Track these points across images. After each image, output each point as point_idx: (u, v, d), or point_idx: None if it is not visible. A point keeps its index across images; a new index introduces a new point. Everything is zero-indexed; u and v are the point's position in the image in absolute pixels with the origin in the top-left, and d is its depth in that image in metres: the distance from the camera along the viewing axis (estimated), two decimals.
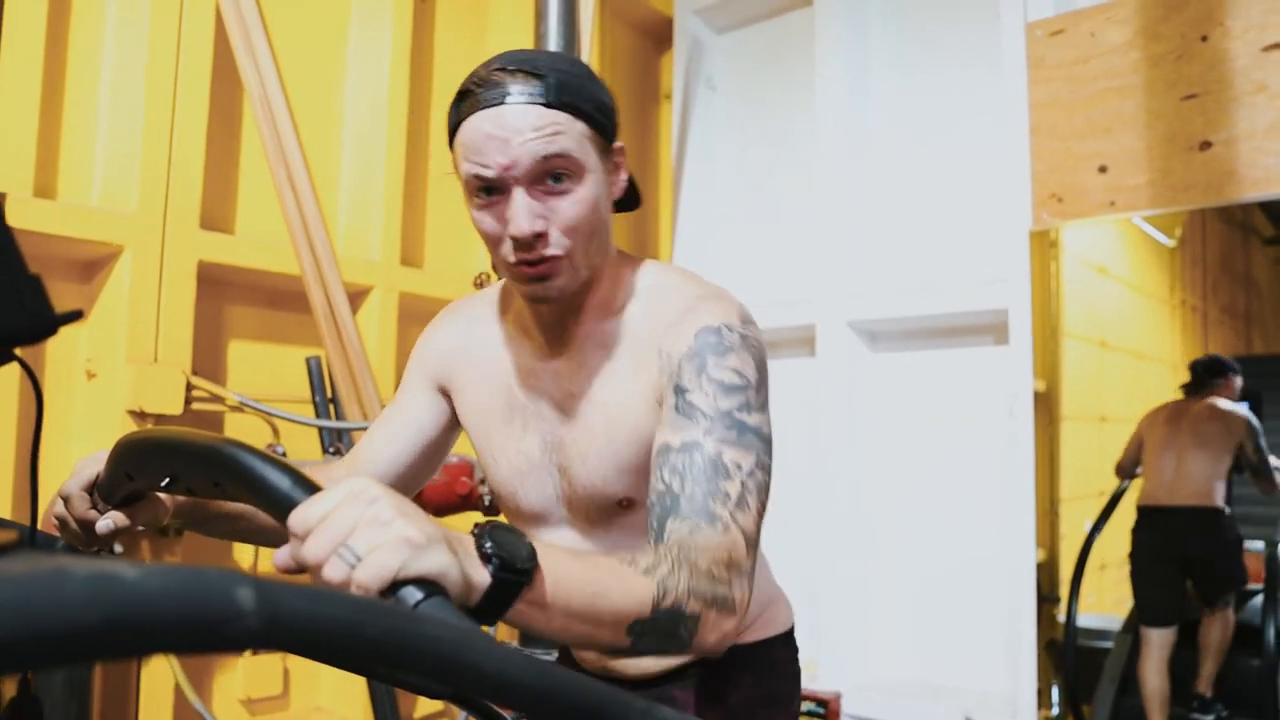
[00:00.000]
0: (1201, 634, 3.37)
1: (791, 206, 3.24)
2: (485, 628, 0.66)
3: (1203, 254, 5.87)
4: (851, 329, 2.98)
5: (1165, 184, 2.34)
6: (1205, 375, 3.69)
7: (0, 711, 0.71)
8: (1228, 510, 3.48)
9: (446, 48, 2.93)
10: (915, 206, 2.96)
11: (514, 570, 0.66)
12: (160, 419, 2.07)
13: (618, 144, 1.04)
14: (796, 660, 1.30)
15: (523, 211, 0.94)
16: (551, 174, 0.95)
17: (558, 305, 1.05)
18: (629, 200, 1.12)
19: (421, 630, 0.51)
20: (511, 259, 0.98)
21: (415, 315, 2.73)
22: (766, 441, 0.97)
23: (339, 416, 2.40)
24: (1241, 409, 3.56)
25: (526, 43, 2.57)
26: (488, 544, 0.66)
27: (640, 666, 1.19)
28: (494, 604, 0.66)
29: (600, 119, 0.99)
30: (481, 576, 0.65)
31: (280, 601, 0.43)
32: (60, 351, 2.04)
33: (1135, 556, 3.69)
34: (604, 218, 1.02)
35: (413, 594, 0.61)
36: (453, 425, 1.22)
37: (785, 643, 1.28)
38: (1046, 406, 4.01)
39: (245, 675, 2.28)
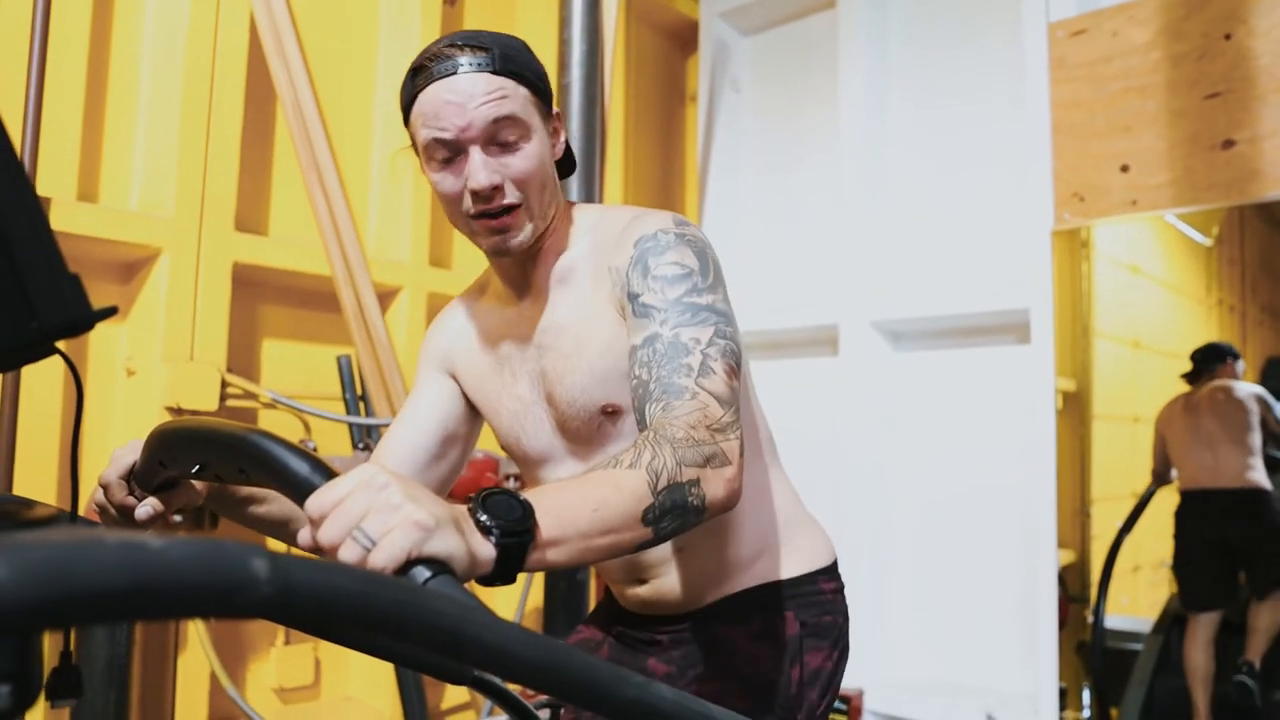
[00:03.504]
0: (1251, 617, 3.32)
1: (815, 206, 3.26)
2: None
3: (1241, 253, 5.77)
4: (874, 329, 2.99)
5: (1188, 183, 2.33)
6: (1203, 362, 3.68)
7: (43, 679, 0.75)
8: (1272, 490, 3.44)
9: None
10: (938, 206, 2.97)
11: (514, 534, 0.71)
12: (195, 415, 2.14)
13: (556, 110, 1.14)
14: (843, 595, 1.30)
15: (480, 167, 1.03)
16: (501, 134, 1.04)
17: (518, 256, 1.14)
18: (565, 165, 1.22)
19: (425, 603, 0.54)
20: (472, 212, 1.07)
21: None
22: (722, 315, 1.03)
23: (368, 413, 2.46)
24: (1250, 385, 3.55)
25: (551, 47, 2.62)
26: (483, 516, 0.70)
27: (674, 595, 1.22)
28: (506, 567, 0.71)
29: (540, 86, 1.09)
30: (486, 550, 0.69)
31: (292, 572, 0.47)
32: (102, 350, 2.12)
33: (1179, 541, 3.66)
34: (550, 172, 1.12)
35: (421, 573, 0.65)
36: (470, 411, 1.28)
37: (829, 576, 1.29)
38: (1077, 407, 3.97)
39: (278, 665, 2.35)
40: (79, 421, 0.81)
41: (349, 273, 2.44)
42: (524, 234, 1.09)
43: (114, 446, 2.12)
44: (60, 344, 0.68)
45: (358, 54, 2.65)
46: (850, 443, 2.95)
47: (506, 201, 1.06)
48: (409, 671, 2.32)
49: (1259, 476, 3.43)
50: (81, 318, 0.61)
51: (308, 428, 2.43)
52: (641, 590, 1.24)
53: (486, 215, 1.07)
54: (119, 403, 2.14)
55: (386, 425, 2.43)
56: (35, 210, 0.58)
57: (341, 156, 2.53)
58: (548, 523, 0.74)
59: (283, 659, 2.36)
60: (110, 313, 0.63)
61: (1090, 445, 4.10)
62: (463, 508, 0.71)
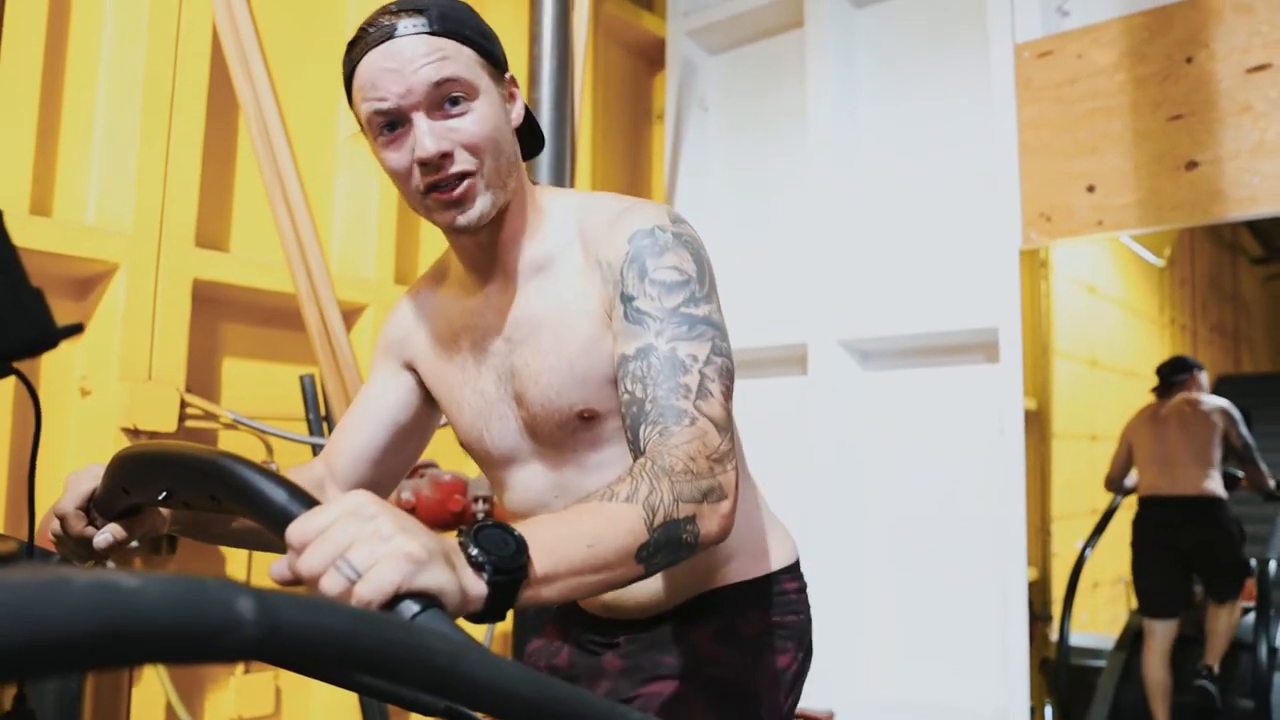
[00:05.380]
0: (1208, 621, 3.43)
1: (783, 225, 3.27)
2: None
3: (1192, 273, 5.91)
4: (843, 347, 2.99)
5: (1152, 203, 2.36)
6: (1170, 375, 3.81)
7: None
8: (1226, 499, 3.55)
9: None
10: (906, 225, 2.99)
11: (507, 570, 0.67)
12: (153, 436, 2.07)
13: (509, 74, 1.07)
14: (806, 596, 1.27)
15: (426, 134, 0.97)
16: (447, 98, 0.98)
17: (481, 234, 1.06)
18: (531, 139, 1.15)
19: (418, 641, 0.51)
20: (423, 187, 1.00)
21: None
22: (718, 328, 0.99)
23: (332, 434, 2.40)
24: (1218, 399, 3.66)
25: (521, 63, 2.60)
26: (474, 551, 0.66)
27: (636, 598, 1.17)
28: (498, 604, 0.67)
29: (485, 45, 1.02)
30: (479, 588, 0.65)
31: (280, 611, 0.43)
32: (55, 368, 2.05)
33: (1136, 547, 3.74)
34: (507, 138, 1.04)
35: (410, 607, 0.61)
36: (426, 402, 1.23)
37: (792, 575, 1.26)
38: (1038, 425, 4.02)
39: (237, 693, 2.27)
40: (36, 445, 0.77)
41: (313, 290, 2.38)
42: (482, 204, 1.01)
43: (67, 469, 2.04)
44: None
45: (323, 67, 2.61)
46: (820, 461, 2.94)
47: (458, 169, 0.98)
48: (374, 701, 2.26)
49: (1214, 486, 3.55)
50: (45, 336, 0.57)
51: (270, 449, 2.37)
52: (605, 594, 1.20)
53: (439, 188, 0.99)
54: (73, 424, 2.07)
55: None
56: None
57: (306, 171, 2.48)
58: (541, 558, 0.70)
59: (242, 688, 2.28)
60: (76, 330, 0.59)
61: (1050, 463, 4.15)
62: (454, 541, 0.67)
